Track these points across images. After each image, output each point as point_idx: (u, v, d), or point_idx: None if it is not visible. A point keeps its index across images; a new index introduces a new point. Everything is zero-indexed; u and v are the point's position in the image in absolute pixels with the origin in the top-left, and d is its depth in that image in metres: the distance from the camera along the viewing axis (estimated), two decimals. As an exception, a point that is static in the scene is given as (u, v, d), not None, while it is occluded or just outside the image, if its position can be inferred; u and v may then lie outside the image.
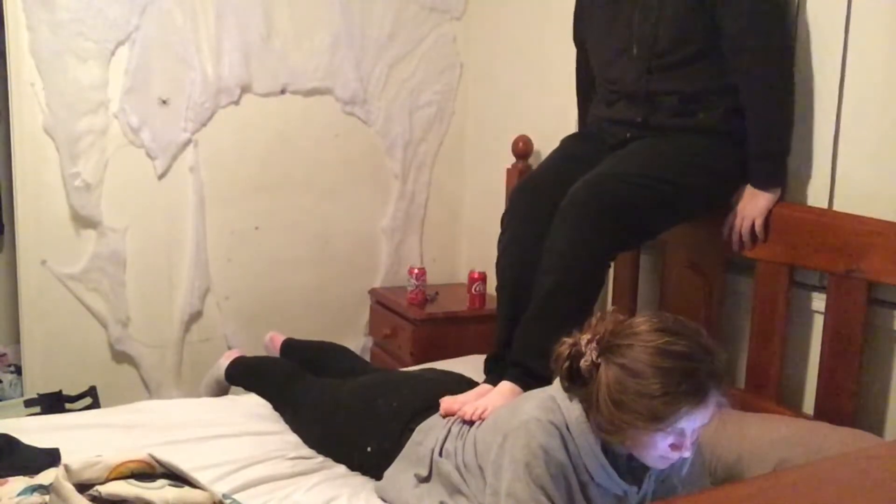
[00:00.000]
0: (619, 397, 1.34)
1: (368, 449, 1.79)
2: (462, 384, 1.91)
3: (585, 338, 1.42)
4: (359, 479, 1.79)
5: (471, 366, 2.33)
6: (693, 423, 1.34)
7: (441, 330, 2.77)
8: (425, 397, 1.83)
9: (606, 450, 1.43)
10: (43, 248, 2.66)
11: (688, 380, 1.31)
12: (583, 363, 1.40)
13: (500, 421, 1.54)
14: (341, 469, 1.85)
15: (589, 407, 1.41)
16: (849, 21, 1.78)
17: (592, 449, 1.42)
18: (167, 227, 2.82)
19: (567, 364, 1.42)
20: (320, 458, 1.89)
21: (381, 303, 3.04)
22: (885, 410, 1.74)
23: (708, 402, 1.33)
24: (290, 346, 2.55)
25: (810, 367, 1.88)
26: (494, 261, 2.98)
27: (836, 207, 1.84)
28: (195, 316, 2.89)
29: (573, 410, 1.43)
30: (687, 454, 1.38)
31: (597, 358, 1.38)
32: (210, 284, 2.90)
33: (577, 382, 1.42)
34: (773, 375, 1.87)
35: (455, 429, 1.69)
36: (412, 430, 1.74)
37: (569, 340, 1.44)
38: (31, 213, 2.64)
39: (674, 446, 1.36)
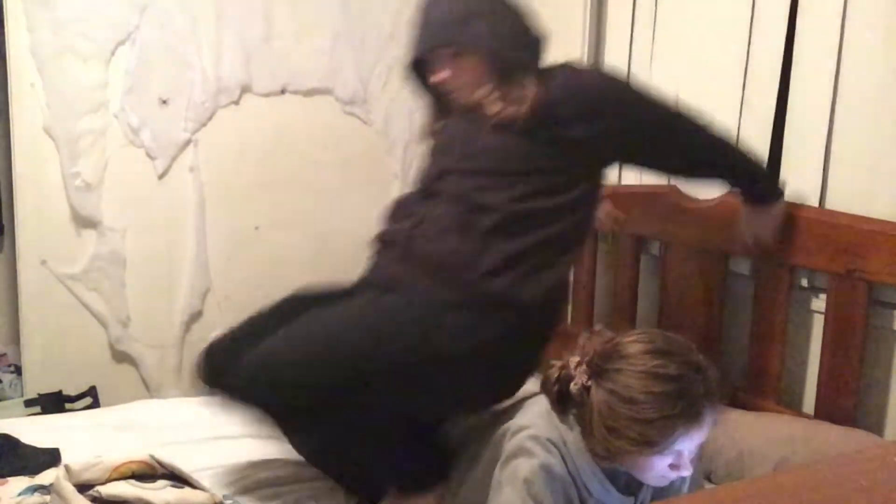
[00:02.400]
0: (613, 424, 1.31)
1: None
2: None
3: (574, 360, 1.38)
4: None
5: (471, 366, 2.33)
6: (690, 443, 1.32)
7: (441, 330, 2.77)
8: None
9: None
10: (43, 248, 2.65)
11: (681, 402, 1.29)
12: (573, 387, 1.36)
13: (500, 433, 1.52)
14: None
15: (583, 430, 1.38)
16: (844, 19, 1.78)
17: (591, 467, 1.40)
18: (167, 227, 2.82)
19: (556, 388, 1.39)
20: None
21: (381, 303, 3.03)
22: (885, 410, 1.74)
23: (703, 420, 1.31)
24: None
25: (810, 367, 1.88)
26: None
27: (828, 207, 1.83)
28: (195, 316, 2.88)
29: (571, 429, 1.42)
30: (686, 473, 1.36)
31: (587, 381, 1.35)
32: (210, 284, 2.89)
33: (570, 406, 1.39)
34: (773, 375, 1.87)
35: None
36: None
37: (558, 363, 1.41)
38: (31, 213, 2.64)
39: (672, 466, 1.34)
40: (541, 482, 1.38)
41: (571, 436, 1.41)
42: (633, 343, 1.34)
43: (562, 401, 1.39)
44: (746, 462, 1.68)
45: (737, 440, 1.71)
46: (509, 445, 1.46)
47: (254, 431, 2.01)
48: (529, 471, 1.39)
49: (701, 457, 1.54)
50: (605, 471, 1.42)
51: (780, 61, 1.92)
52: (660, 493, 1.48)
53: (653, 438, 1.29)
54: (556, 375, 1.39)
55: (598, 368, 1.34)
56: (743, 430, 1.72)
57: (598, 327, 1.45)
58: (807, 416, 1.82)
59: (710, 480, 1.74)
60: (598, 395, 1.33)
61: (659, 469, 1.34)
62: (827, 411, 1.75)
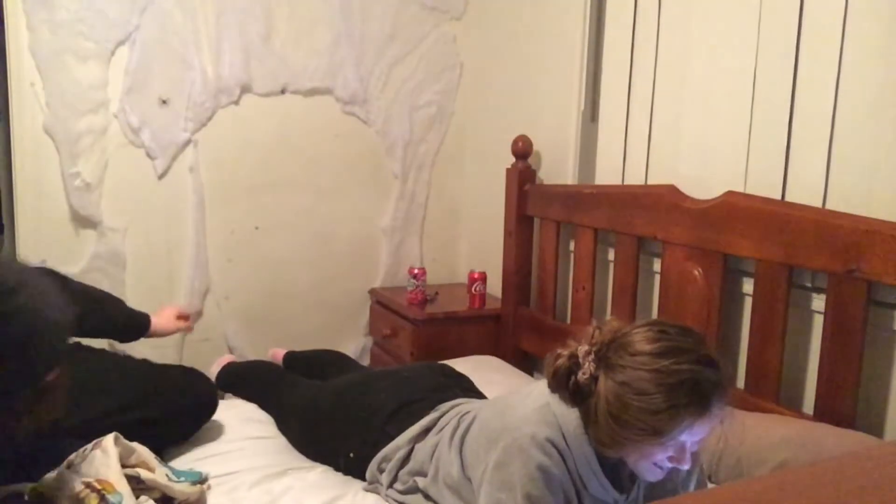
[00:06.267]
0: (620, 414, 1.31)
1: (350, 455, 1.80)
2: (437, 374, 1.94)
3: (583, 349, 1.37)
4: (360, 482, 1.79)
5: (471, 365, 2.33)
6: (694, 435, 1.32)
7: (441, 330, 2.77)
8: (398, 397, 1.82)
9: (599, 458, 1.41)
10: (43, 248, 2.66)
11: (691, 394, 1.29)
12: (580, 376, 1.35)
13: (491, 430, 1.51)
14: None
15: (587, 419, 1.37)
16: (846, 18, 1.78)
17: (588, 461, 1.40)
18: (167, 227, 2.82)
19: (567, 378, 1.37)
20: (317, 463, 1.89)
21: (381, 303, 3.04)
22: (885, 410, 1.74)
23: (711, 414, 1.31)
24: (291, 358, 2.61)
25: (810, 367, 1.88)
26: (494, 261, 2.99)
27: (829, 207, 1.83)
28: (195, 316, 2.88)
29: (570, 422, 1.40)
30: (685, 466, 1.36)
31: (595, 370, 1.34)
32: (210, 284, 2.90)
33: (578, 397, 1.37)
34: (773, 375, 1.87)
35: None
36: (389, 434, 1.74)
37: (565, 352, 1.39)
38: (31, 213, 2.64)
39: (672, 458, 1.34)
40: (541, 486, 1.38)
41: (572, 429, 1.40)
42: (645, 341, 1.33)
43: (576, 393, 1.37)
44: (746, 464, 1.68)
45: (737, 442, 1.71)
46: (504, 445, 1.44)
47: (251, 433, 2.01)
48: (527, 476, 1.38)
49: (702, 459, 1.54)
50: (603, 467, 1.41)
51: (788, 62, 1.91)
52: (652, 489, 1.48)
53: (660, 428, 1.29)
54: (566, 365, 1.38)
55: (608, 360, 1.34)
56: (743, 432, 1.72)
57: (608, 318, 1.43)
58: (806, 417, 1.82)
59: (710, 481, 1.74)
60: (606, 386, 1.32)
61: (658, 460, 1.34)
62: (827, 411, 1.75)
